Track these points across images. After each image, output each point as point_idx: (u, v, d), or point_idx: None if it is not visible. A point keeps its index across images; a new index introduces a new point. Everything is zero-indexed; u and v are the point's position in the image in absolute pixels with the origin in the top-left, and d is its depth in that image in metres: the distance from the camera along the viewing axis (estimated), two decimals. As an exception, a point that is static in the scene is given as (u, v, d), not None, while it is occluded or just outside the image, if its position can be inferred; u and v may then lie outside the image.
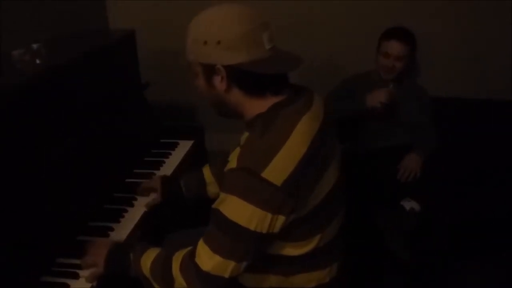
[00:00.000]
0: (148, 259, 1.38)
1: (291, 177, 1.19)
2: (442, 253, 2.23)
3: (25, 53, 1.87)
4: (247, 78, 1.29)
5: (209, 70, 1.30)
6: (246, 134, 1.36)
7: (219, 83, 1.30)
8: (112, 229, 1.72)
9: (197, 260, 1.27)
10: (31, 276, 1.50)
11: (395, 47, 2.46)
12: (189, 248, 1.33)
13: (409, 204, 2.31)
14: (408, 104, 2.54)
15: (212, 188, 1.83)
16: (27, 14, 2.25)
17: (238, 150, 1.29)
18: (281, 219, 1.22)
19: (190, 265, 1.28)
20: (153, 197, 1.88)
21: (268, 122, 1.26)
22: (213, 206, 1.28)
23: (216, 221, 1.25)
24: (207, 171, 1.85)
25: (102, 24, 3.00)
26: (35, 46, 1.92)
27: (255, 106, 1.32)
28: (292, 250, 1.34)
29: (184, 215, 2.12)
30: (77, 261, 1.55)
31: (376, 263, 2.16)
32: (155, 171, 2.08)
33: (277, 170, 1.19)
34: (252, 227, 1.20)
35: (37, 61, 1.85)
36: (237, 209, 1.21)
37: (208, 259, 1.25)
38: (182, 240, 1.75)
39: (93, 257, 1.50)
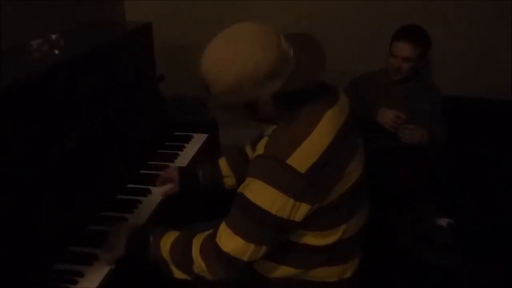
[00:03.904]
0: (167, 241, 1.40)
1: (315, 166, 1.23)
2: (453, 254, 2.19)
3: (44, 43, 1.89)
4: (291, 95, 1.29)
5: (253, 105, 1.30)
6: (273, 127, 1.38)
7: (263, 109, 1.31)
8: (126, 220, 1.73)
9: (218, 241, 1.30)
10: (45, 264, 1.51)
11: (402, 48, 2.42)
12: (210, 231, 1.35)
13: (445, 221, 2.24)
14: (417, 105, 2.51)
15: (229, 180, 1.85)
16: (44, 9, 2.26)
17: (266, 139, 1.34)
18: (303, 207, 1.25)
19: (210, 246, 1.31)
20: (170, 186, 1.89)
21: (295, 115, 1.30)
22: (238, 190, 1.31)
23: (240, 204, 1.29)
24: (223, 164, 1.86)
25: (119, 17, 3.02)
26: (53, 36, 1.94)
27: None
28: (316, 240, 1.36)
29: (198, 208, 2.13)
30: (90, 250, 1.55)
31: (393, 265, 2.15)
32: (170, 163, 2.08)
33: (302, 158, 1.23)
34: (273, 211, 1.23)
35: (56, 52, 1.86)
36: (260, 193, 1.25)
37: (229, 241, 1.28)
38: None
39: (113, 239, 1.52)
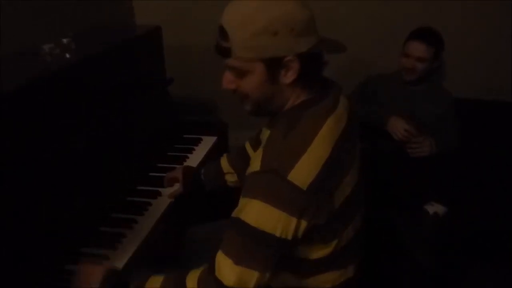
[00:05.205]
0: (154, 284, 1.25)
1: (316, 181, 1.14)
2: (460, 257, 2.23)
3: (55, 47, 1.91)
4: (316, 64, 1.23)
5: (275, 64, 1.17)
6: (267, 133, 1.30)
7: (284, 76, 1.19)
8: (135, 221, 1.76)
9: (218, 274, 1.17)
10: (56, 264, 1.54)
11: (416, 48, 2.42)
12: (205, 266, 1.23)
13: (432, 208, 2.28)
14: (428, 106, 2.50)
15: (230, 177, 1.83)
16: (53, 11, 2.27)
17: (260, 151, 1.21)
18: (304, 224, 1.16)
19: (210, 282, 1.18)
20: (177, 187, 1.91)
21: (292, 122, 1.20)
22: (232, 215, 1.19)
23: (237, 230, 1.16)
24: (224, 161, 1.86)
25: (129, 20, 3.04)
26: (65, 40, 1.96)
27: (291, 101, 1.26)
28: (310, 254, 1.29)
29: (205, 208, 2.15)
30: (100, 251, 1.59)
31: (395, 266, 2.15)
32: (179, 166, 2.07)
33: (303, 173, 1.13)
34: (277, 234, 1.13)
35: (67, 56, 1.89)
36: (261, 215, 1.13)
37: (230, 272, 1.15)
38: (203, 234, 1.82)
39: (83, 285, 1.33)
